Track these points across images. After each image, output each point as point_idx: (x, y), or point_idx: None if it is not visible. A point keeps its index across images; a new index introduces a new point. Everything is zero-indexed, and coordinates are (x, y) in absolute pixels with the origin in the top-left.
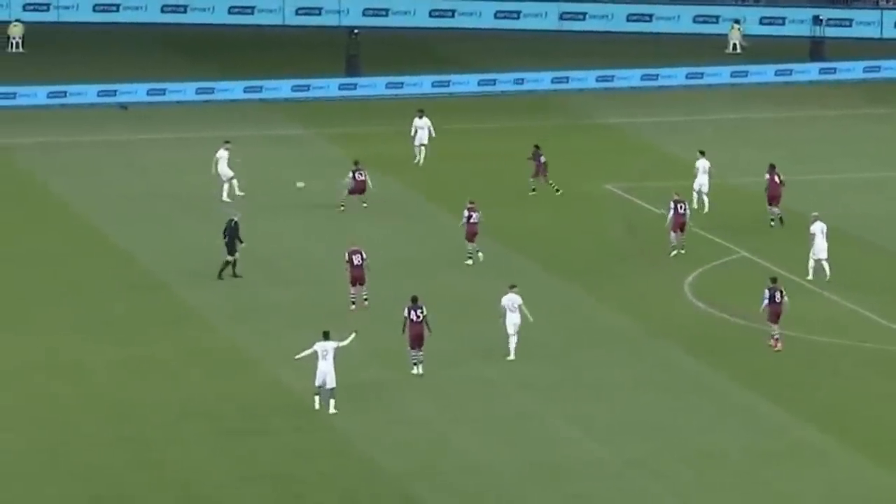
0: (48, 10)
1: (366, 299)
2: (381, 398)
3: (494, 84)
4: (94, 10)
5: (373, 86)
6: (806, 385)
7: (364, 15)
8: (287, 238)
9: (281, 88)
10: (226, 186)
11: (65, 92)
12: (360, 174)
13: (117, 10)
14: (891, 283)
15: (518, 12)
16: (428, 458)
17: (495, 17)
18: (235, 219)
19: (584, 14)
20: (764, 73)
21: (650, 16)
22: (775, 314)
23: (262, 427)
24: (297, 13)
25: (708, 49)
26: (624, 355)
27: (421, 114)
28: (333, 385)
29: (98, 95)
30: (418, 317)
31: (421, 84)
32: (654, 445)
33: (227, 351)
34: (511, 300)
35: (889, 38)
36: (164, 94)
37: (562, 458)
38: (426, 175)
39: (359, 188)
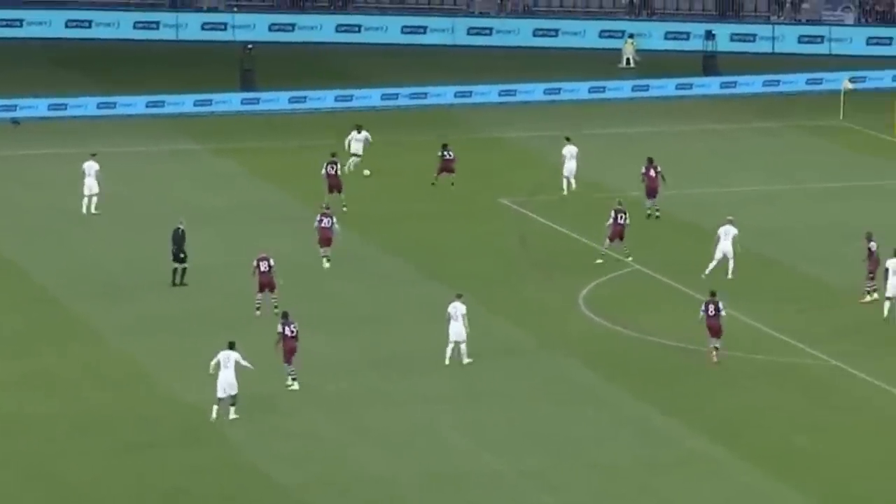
0: None
1: (276, 307)
2: (277, 411)
3: (397, 98)
4: None
5: (276, 100)
6: (699, 396)
7: (270, 30)
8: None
9: (184, 103)
10: (85, 201)
11: None
12: (333, 167)
13: (21, 26)
14: (782, 295)
15: (425, 27)
16: (324, 471)
17: (402, 31)
18: (181, 226)
19: (491, 29)
20: (665, 86)
21: (556, 31)
22: (712, 328)
23: (157, 441)
24: (202, 28)
25: (604, 64)
26: (518, 367)
27: (359, 129)
28: (234, 392)
29: None
30: (292, 332)
31: (324, 98)
32: (549, 457)
33: (121, 364)
34: (455, 308)
35: (781, 53)
36: (66, 108)
37: (458, 470)
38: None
39: (331, 182)
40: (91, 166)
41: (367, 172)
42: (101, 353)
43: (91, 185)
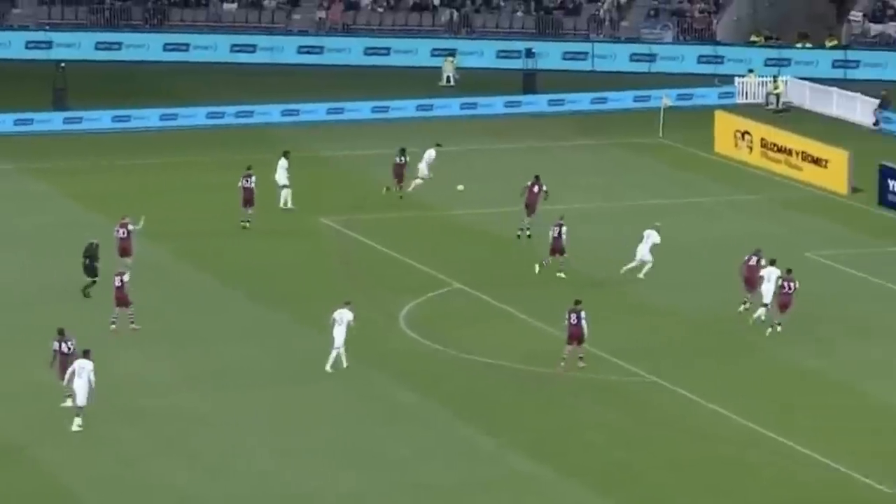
0: None
1: (132, 322)
2: (89, 433)
3: (223, 117)
4: None
5: (98, 119)
6: (521, 415)
7: (97, 49)
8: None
9: (4, 122)
10: None
11: None
12: (248, 181)
13: None
14: (600, 312)
15: (254, 46)
16: (136, 495)
17: (230, 50)
18: (95, 241)
19: (322, 48)
20: (492, 105)
21: (387, 49)
22: (574, 336)
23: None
24: (26, 47)
25: (426, 82)
26: (337, 386)
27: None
28: (83, 403)
29: None
30: (69, 349)
31: (149, 118)
32: (368, 477)
33: None
34: (341, 315)
35: (600, 71)
36: None
37: (272, 492)
38: (148, 208)
39: (245, 196)
40: None
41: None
42: None
43: None
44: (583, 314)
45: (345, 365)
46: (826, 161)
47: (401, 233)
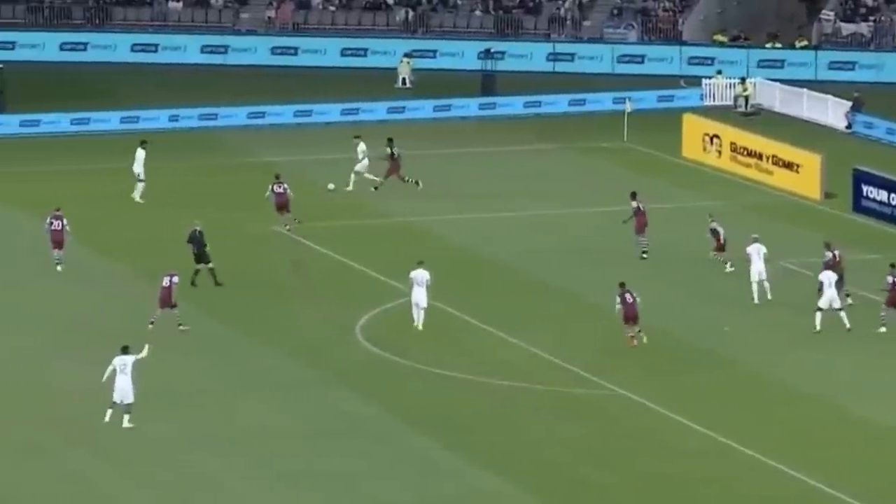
0: None
1: (180, 324)
2: (44, 454)
3: (137, 122)
4: None
5: (7, 124)
6: (480, 429)
7: (33, 48)
8: None
9: None
10: None
11: None
12: (279, 186)
13: None
14: (560, 321)
15: (156, 45)
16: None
17: (131, 49)
18: (199, 228)
19: (227, 47)
20: (422, 108)
21: (295, 49)
22: (629, 316)
23: None
24: None
25: (370, 84)
26: (292, 401)
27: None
28: (131, 400)
29: None
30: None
31: (59, 122)
32: (325, 494)
33: None
34: (421, 275)
35: (560, 72)
36: None
37: None
38: (89, 215)
39: (279, 202)
40: None
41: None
42: None
43: None
44: (634, 293)
45: (420, 328)
46: (798, 165)
47: (354, 240)
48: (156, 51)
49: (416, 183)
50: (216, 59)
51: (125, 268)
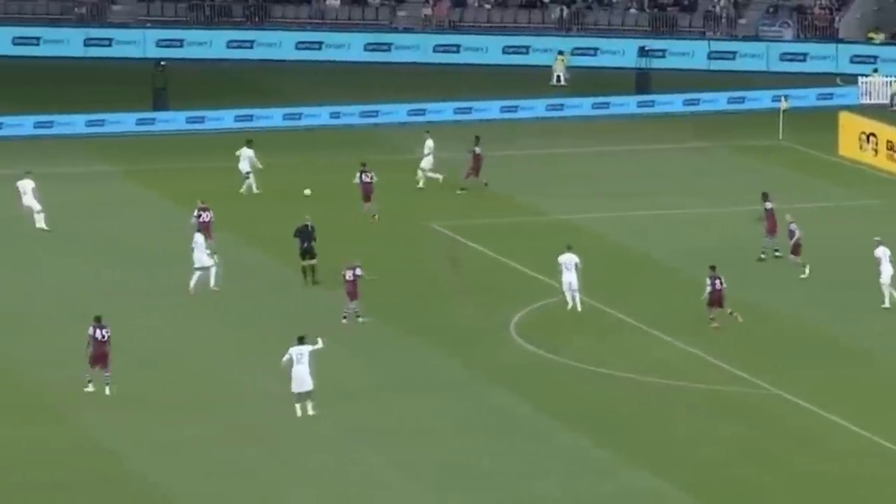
0: None
1: (358, 315)
2: (199, 448)
3: (300, 118)
4: None
5: (174, 120)
6: (636, 427)
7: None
8: None
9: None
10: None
11: None
12: (367, 175)
13: None
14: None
15: (320, 43)
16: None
17: (296, 47)
18: (309, 222)
19: (390, 45)
20: (581, 105)
21: (457, 46)
22: (715, 300)
23: (68, 480)
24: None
25: (527, 81)
26: (448, 398)
27: (249, 144)
28: (310, 388)
29: None
30: (103, 336)
31: (223, 119)
32: (480, 492)
33: (32, 398)
34: (569, 258)
35: (717, 70)
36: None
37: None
38: (246, 209)
39: (366, 191)
40: (25, 185)
41: (307, 192)
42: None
43: (31, 204)
44: (721, 278)
45: (579, 308)
46: None
47: (511, 239)
48: (320, 48)
49: (485, 184)
50: (379, 57)
51: (280, 265)
